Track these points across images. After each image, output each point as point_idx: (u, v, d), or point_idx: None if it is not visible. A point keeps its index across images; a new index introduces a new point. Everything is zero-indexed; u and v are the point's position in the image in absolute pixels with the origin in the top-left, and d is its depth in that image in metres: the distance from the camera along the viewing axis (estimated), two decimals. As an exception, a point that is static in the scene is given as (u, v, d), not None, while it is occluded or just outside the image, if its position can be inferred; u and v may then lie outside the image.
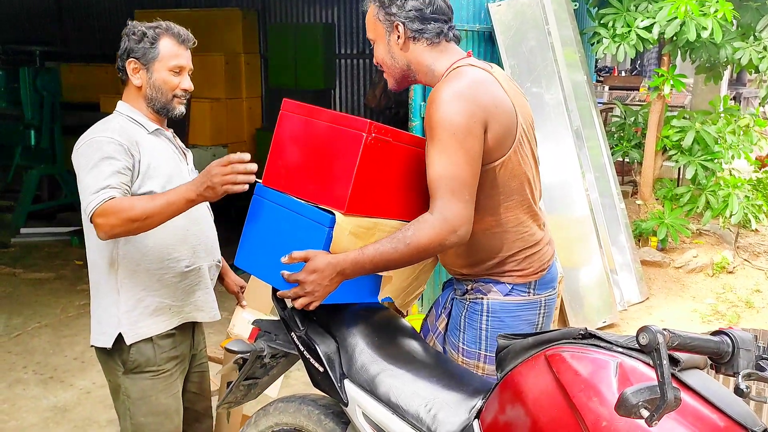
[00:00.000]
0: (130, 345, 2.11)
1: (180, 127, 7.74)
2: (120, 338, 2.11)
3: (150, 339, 2.14)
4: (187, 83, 2.18)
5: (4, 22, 8.60)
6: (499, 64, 4.58)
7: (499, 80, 1.88)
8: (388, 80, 2.02)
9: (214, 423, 2.54)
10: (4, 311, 4.81)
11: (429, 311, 2.18)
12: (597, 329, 4.56)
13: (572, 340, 1.42)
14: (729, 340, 1.24)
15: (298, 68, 7.63)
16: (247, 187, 1.89)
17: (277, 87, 7.85)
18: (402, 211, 1.93)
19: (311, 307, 1.77)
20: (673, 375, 1.21)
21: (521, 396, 1.46)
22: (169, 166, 2.16)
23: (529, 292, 1.96)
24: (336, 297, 1.80)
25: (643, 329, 1.15)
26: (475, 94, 1.79)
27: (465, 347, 1.98)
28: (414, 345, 1.92)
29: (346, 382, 1.84)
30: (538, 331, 1.53)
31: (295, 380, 3.58)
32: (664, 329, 1.16)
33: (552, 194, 4.62)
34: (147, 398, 2.16)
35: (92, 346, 2.19)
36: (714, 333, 1.25)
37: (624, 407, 1.13)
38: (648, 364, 1.31)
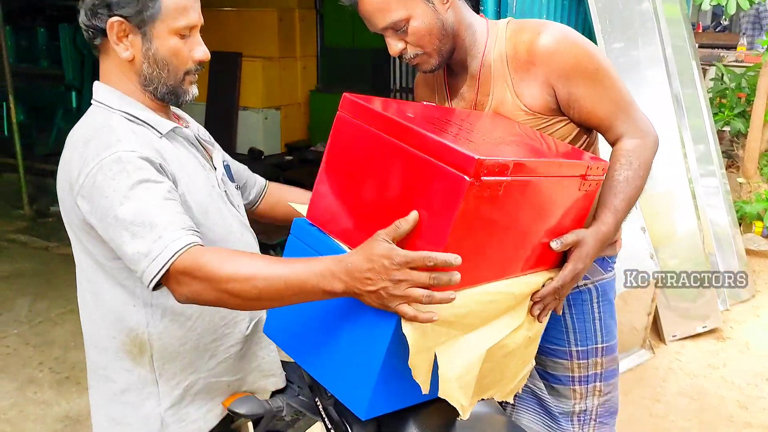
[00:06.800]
0: None
1: (229, 88, 7.30)
2: None
3: None
4: (202, 51, 1.40)
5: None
6: (587, 20, 3.82)
7: None
8: (426, 64, 1.59)
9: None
10: (29, 293, 4.40)
11: None
12: (694, 336, 3.88)
13: None
14: None
15: (356, 25, 6.94)
16: (437, 317, 1.12)
17: (333, 46, 7.17)
18: (508, 266, 1.31)
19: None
20: None
21: None
22: (200, 190, 1.43)
23: (615, 264, 1.80)
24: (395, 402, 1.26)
25: None
26: None
27: (578, 349, 1.77)
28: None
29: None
30: None
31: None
32: None
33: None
34: None
35: None
36: None
37: None
38: None
